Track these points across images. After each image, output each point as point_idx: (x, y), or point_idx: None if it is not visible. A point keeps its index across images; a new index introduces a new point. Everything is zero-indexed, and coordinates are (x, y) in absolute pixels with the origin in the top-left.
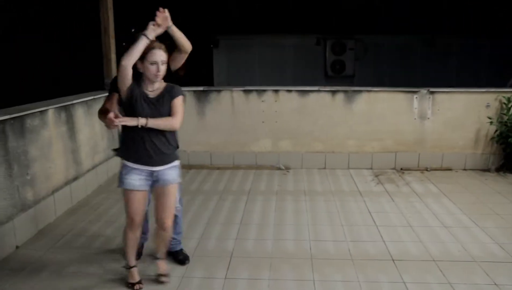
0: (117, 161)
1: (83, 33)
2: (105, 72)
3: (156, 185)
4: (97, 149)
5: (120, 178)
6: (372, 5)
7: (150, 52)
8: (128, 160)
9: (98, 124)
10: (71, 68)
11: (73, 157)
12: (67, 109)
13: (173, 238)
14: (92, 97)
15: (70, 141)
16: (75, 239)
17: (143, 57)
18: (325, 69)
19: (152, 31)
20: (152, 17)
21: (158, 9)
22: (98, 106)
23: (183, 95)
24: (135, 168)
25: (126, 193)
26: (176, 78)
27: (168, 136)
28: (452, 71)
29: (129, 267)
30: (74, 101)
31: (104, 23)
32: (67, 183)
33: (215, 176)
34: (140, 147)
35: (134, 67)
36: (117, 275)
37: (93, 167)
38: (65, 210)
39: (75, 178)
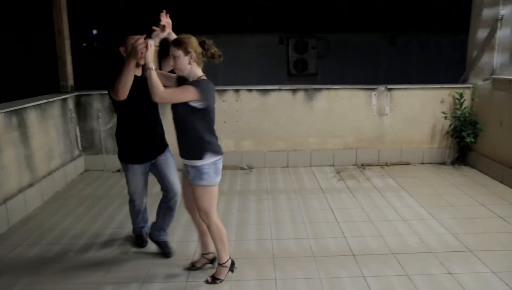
0: (74, 166)
1: (37, 34)
2: (60, 74)
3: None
4: (53, 154)
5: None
6: (334, 4)
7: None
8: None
9: (53, 128)
10: (26, 71)
11: (27, 163)
12: (18, 113)
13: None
14: (46, 100)
15: (23, 146)
16: (30, 249)
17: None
18: (288, 67)
19: (156, 37)
20: (112, 17)
21: (160, 13)
22: (53, 110)
23: None
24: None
25: (215, 189)
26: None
27: None
28: (413, 68)
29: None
30: (26, 105)
31: (57, 24)
32: (21, 190)
33: (178, 177)
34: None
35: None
36: (76, 288)
37: (49, 173)
38: (19, 219)
39: (30, 185)
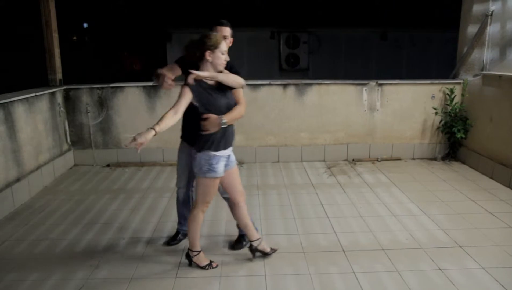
0: (63, 161)
1: (25, 27)
2: (48, 68)
3: (229, 167)
4: (41, 148)
5: (211, 169)
6: None
7: (222, 43)
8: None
9: (41, 122)
10: (13, 64)
11: (14, 158)
12: (5, 107)
13: None
14: (34, 94)
15: (10, 140)
16: (17, 245)
17: (215, 48)
18: (280, 62)
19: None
20: (104, 8)
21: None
22: (40, 103)
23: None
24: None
25: (214, 181)
26: (132, 73)
27: None
28: (404, 63)
29: (198, 252)
30: (13, 99)
31: (45, 16)
32: (8, 185)
33: (168, 173)
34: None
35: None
36: (63, 283)
37: (37, 168)
38: (6, 215)
39: (17, 180)
